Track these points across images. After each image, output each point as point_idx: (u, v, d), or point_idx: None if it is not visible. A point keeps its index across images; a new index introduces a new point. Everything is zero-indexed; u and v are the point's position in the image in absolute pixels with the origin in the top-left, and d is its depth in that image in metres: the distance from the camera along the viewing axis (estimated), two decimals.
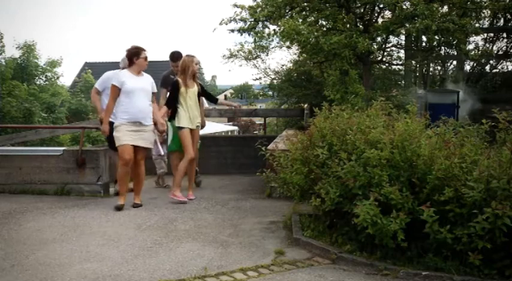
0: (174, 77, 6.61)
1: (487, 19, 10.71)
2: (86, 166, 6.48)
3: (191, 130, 6.13)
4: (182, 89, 6.04)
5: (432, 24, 7.05)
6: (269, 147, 5.40)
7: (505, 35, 11.18)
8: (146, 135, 5.80)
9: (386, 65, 11.27)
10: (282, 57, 54.01)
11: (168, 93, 6.30)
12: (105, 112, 5.88)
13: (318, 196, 4.29)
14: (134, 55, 5.77)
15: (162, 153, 7.09)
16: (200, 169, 7.28)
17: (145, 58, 5.80)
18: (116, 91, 5.69)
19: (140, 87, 5.74)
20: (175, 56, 6.86)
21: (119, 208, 5.59)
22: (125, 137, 5.64)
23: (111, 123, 5.82)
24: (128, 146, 5.64)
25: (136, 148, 5.74)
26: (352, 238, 4.13)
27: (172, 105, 6.08)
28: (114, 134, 5.71)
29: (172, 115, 6.14)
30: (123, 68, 6.10)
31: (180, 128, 6.09)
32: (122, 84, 5.67)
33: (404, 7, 7.63)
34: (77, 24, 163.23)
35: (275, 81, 13.07)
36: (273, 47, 11.25)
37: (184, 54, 6.43)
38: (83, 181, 6.49)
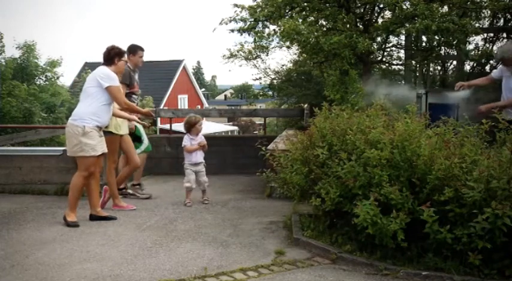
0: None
1: (487, 19, 10.69)
2: None
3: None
4: None
5: (432, 24, 7.04)
6: (269, 147, 5.40)
7: (505, 35, 11.15)
8: None
9: (387, 65, 11.26)
10: (282, 57, 53.93)
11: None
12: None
13: (318, 196, 4.30)
14: (117, 55, 5.27)
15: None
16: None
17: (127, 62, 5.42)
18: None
19: None
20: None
21: (77, 225, 4.96)
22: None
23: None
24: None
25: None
26: (352, 238, 4.13)
27: None
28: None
29: None
30: None
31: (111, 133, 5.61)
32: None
33: (404, 7, 7.61)
34: (77, 24, 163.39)
35: (275, 81, 13.06)
36: (273, 47, 11.20)
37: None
38: None
